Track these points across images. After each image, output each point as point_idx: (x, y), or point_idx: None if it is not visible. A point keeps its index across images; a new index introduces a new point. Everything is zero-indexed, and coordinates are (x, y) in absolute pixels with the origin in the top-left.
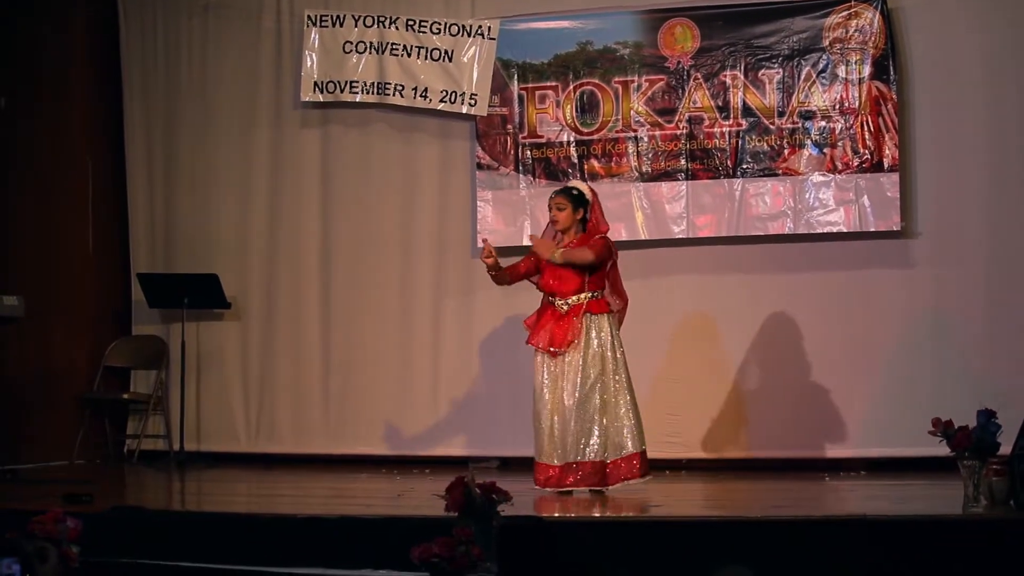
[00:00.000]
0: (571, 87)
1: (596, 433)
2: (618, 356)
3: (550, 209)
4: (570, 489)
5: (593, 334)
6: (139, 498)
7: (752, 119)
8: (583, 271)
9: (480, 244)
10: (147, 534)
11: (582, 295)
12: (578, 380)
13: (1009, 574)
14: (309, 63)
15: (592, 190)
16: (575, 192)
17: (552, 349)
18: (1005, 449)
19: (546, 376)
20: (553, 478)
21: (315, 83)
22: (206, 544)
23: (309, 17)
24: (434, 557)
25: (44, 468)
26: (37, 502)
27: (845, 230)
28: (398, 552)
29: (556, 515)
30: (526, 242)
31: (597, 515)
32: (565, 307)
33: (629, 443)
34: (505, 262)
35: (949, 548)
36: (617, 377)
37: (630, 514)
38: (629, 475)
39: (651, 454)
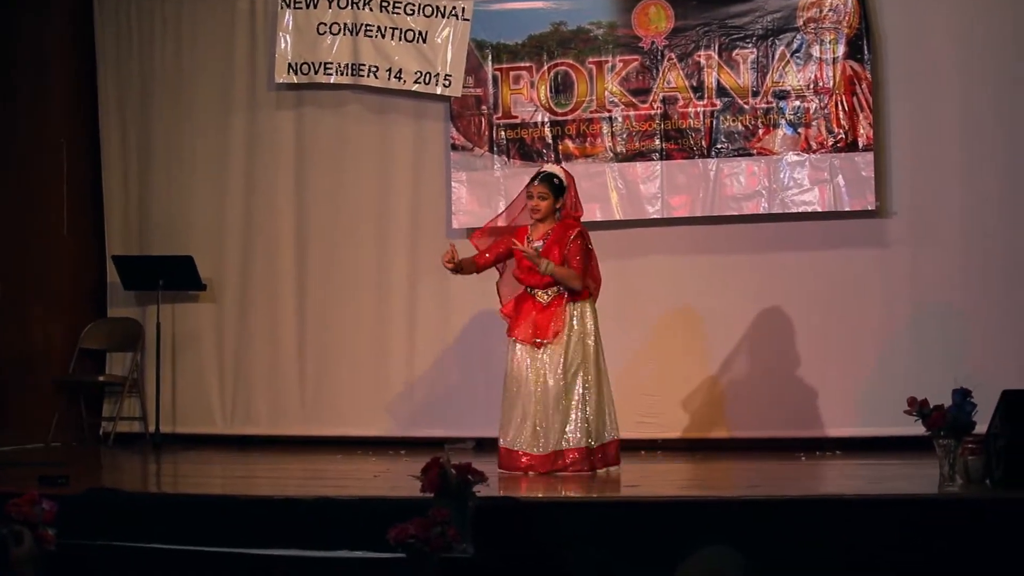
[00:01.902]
0: (545, 68)
1: (579, 420)
2: (598, 343)
3: (531, 197)
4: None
5: (575, 322)
6: (115, 480)
7: (726, 99)
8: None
9: (455, 229)
10: (123, 516)
11: (559, 286)
12: (560, 368)
13: (985, 552)
14: (283, 45)
15: (569, 174)
16: (556, 181)
17: (538, 341)
18: (980, 428)
19: (526, 365)
20: (534, 466)
21: (289, 65)
22: (182, 526)
23: None
24: (410, 538)
25: (19, 450)
26: (13, 484)
27: (820, 210)
28: (374, 533)
29: (532, 496)
30: (500, 223)
31: (573, 496)
32: (547, 297)
33: (609, 430)
34: (481, 243)
35: (925, 527)
36: (597, 364)
37: (606, 495)
38: (611, 462)
39: (627, 435)
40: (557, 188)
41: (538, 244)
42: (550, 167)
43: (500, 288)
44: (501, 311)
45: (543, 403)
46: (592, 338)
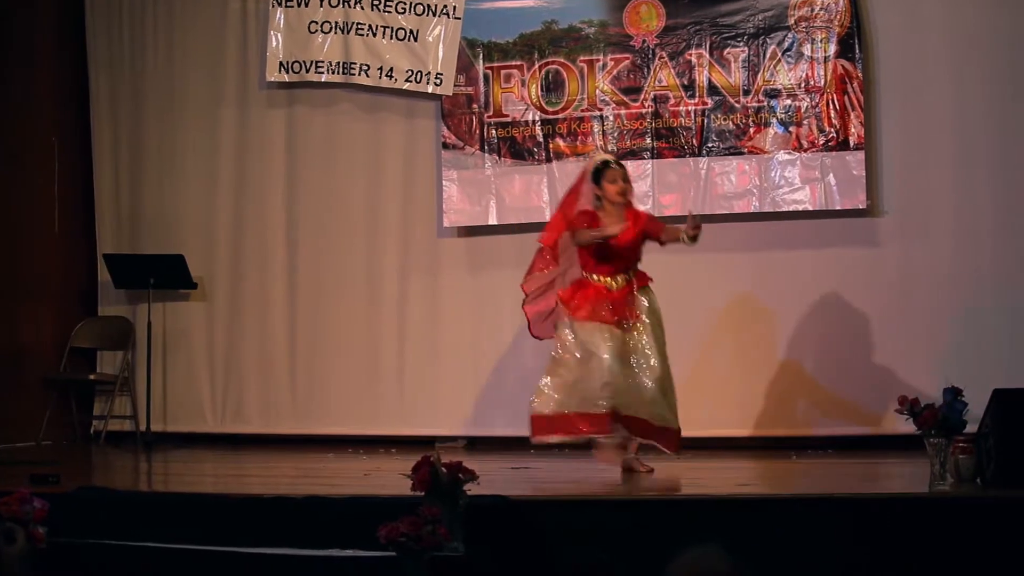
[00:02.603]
0: (536, 66)
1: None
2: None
3: (614, 181)
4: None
5: (652, 306)
6: (106, 479)
7: (717, 98)
8: (639, 251)
9: (446, 227)
10: (114, 515)
11: (630, 271)
12: (651, 350)
13: (975, 551)
14: (274, 43)
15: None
16: None
17: (624, 324)
18: (972, 427)
19: (601, 342)
20: (599, 428)
21: (280, 63)
22: (173, 525)
23: None
24: (401, 536)
25: (10, 449)
26: (4, 483)
27: (811, 208)
28: (365, 532)
29: (522, 494)
30: (491, 221)
31: (563, 494)
32: (616, 285)
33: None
34: (472, 242)
35: (915, 526)
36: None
37: (596, 493)
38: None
39: None
40: None
41: (616, 229)
42: (601, 155)
43: (532, 283)
44: (559, 295)
45: (643, 382)
46: (660, 321)
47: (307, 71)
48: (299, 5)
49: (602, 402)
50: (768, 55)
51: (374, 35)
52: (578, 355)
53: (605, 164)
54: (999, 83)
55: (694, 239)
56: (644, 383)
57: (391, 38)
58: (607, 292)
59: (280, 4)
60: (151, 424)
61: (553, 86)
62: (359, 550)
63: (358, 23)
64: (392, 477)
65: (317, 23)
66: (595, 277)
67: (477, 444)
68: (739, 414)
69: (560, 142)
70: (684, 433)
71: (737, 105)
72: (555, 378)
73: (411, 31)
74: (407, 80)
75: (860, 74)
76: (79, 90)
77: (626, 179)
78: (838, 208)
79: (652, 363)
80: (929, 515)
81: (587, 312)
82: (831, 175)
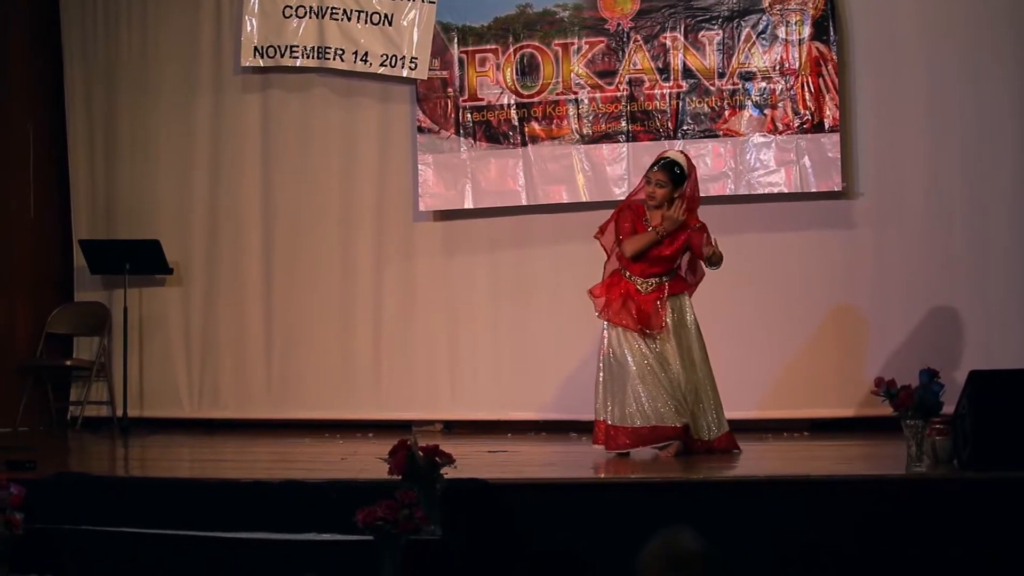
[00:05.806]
0: (511, 50)
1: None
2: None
3: (648, 182)
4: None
5: (688, 313)
6: (83, 464)
7: (692, 80)
8: (677, 259)
9: (422, 212)
10: (91, 500)
11: (664, 277)
12: (692, 358)
13: (951, 533)
14: (249, 28)
15: (691, 162)
16: (676, 170)
17: (647, 331)
18: (948, 408)
19: (635, 349)
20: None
21: (255, 48)
22: (150, 510)
23: None
24: (378, 520)
25: None
26: None
27: (786, 191)
28: (342, 516)
29: (498, 477)
30: (467, 205)
31: (540, 477)
32: (647, 287)
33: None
34: (448, 226)
35: (892, 508)
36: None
37: (572, 476)
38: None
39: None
40: (677, 177)
41: (652, 234)
42: (673, 153)
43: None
44: (591, 291)
45: (685, 383)
46: (698, 329)
47: (282, 56)
48: None
49: (637, 421)
50: (743, 38)
51: (348, 19)
52: (613, 361)
53: (653, 163)
54: (973, 65)
55: (710, 261)
56: (666, 392)
57: (366, 22)
58: (636, 293)
59: None
60: (127, 409)
61: (528, 70)
62: (336, 534)
63: (332, 7)
64: (369, 461)
65: (292, 7)
66: (627, 273)
67: (454, 428)
68: None
69: (535, 126)
70: None
71: (712, 88)
72: (607, 388)
73: (386, 15)
74: (382, 64)
75: (835, 56)
76: (54, 75)
77: (660, 184)
78: (813, 190)
79: (674, 371)
80: (906, 497)
81: (615, 313)
82: (806, 157)
